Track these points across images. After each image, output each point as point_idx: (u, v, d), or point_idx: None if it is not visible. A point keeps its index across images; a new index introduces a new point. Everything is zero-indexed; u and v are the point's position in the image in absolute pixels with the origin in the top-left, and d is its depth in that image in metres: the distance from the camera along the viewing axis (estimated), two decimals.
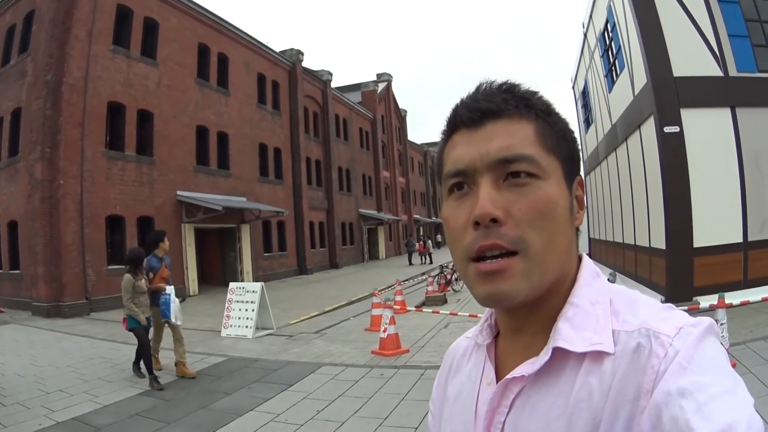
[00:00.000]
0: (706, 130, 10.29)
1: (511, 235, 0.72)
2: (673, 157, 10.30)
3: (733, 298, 7.44)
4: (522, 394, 0.77)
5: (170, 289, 8.30)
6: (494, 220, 0.72)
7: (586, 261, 0.83)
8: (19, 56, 17.87)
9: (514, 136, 0.77)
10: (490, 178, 0.75)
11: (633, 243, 14.29)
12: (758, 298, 7.56)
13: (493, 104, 0.78)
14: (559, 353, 0.73)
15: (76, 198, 16.06)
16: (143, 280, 7.88)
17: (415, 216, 58.06)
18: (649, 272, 12.28)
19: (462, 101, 0.82)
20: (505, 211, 0.73)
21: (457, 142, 0.80)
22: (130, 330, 7.76)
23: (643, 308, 0.73)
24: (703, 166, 10.16)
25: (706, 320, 0.69)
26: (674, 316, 0.70)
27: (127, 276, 7.71)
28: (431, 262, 33.81)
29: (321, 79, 35.58)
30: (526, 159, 0.75)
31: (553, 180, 0.77)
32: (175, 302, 8.22)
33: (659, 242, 11.16)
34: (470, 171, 0.77)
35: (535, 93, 0.82)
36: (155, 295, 8.17)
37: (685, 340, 0.65)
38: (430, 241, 38.88)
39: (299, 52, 31.79)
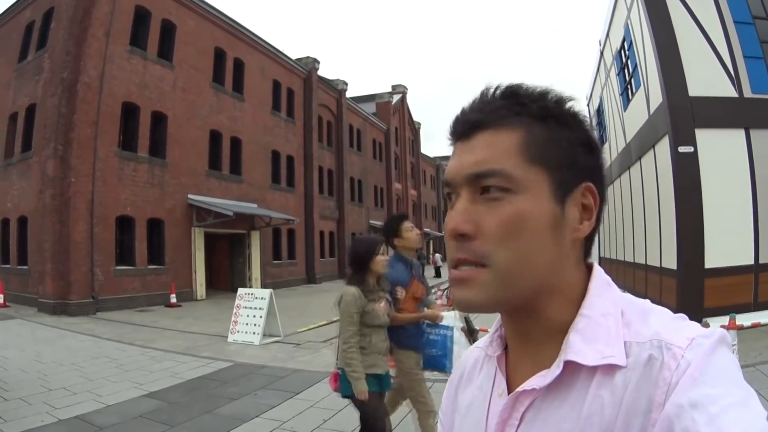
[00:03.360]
0: (720, 151, 10.26)
1: (479, 251, 0.73)
2: (687, 177, 10.27)
3: (744, 320, 7.38)
4: (533, 406, 0.75)
5: (450, 317, 4.62)
6: (463, 235, 0.73)
7: (598, 271, 0.80)
8: (36, 52, 18.08)
9: (491, 149, 0.75)
10: (468, 191, 0.76)
11: (644, 263, 14.21)
12: None
13: (482, 114, 0.77)
14: (571, 366, 0.71)
15: (87, 197, 16.14)
16: (383, 303, 4.09)
17: (425, 229, 57.96)
18: (660, 292, 12.19)
19: (459, 111, 0.81)
20: (476, 225, 0.73)
21: (453, 152, 0.81)
22: (345, 397, 4.00)
23: (655, 319, 0.72)
24: (716, 186, 10.12)
25: (718, 331, 0.68)
26: (686, 326, 0.69)
27: (353, 291, 3.94)
28: (439, 276, 33.74)
29: (336, 88, 35.66)
30: (497, 174, 0.73)
31: (531, 194, 0.74)
32: (460, 342, 4.53)
33: (670, 262, 11.10)
34: (453, 184, 0.78)
35: (546, 93, 0.78)
36: (405, 332, 4.40)
37: (697, 352, 0.64)
38: (438, 255, 38.87)
39: (315, 61, 31.89)
